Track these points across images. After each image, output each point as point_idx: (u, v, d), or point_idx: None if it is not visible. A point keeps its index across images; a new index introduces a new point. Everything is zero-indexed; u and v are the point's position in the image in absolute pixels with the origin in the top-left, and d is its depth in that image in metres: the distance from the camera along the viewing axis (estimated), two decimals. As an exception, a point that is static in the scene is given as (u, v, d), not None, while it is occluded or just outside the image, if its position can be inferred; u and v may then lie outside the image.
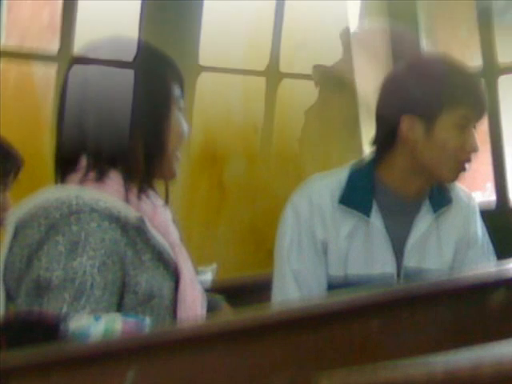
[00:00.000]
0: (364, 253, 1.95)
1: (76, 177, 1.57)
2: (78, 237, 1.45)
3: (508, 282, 1.58)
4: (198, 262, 1.76)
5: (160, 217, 1.60)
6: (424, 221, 1.99)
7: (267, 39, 3.07)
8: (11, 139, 2.13)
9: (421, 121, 1.92)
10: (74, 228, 1.46)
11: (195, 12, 2.91)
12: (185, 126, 1.65)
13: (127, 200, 1.56)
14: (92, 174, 1.56)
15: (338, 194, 1.97)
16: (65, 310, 1.41)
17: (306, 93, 2.68)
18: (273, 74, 3.09)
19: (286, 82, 3.12)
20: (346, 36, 2.46)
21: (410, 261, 1.97)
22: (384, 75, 2.06)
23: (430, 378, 1.09)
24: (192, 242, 1.78)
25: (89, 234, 1.46)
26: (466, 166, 1.95)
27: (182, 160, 1.64)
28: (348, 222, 1.96)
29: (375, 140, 2.01)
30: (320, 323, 1.37)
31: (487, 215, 2.15)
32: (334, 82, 2.42)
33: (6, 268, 1.51)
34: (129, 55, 1.60)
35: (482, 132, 2.05)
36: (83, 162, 1.57)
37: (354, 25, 2.87)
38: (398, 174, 1.97)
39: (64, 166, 1.60)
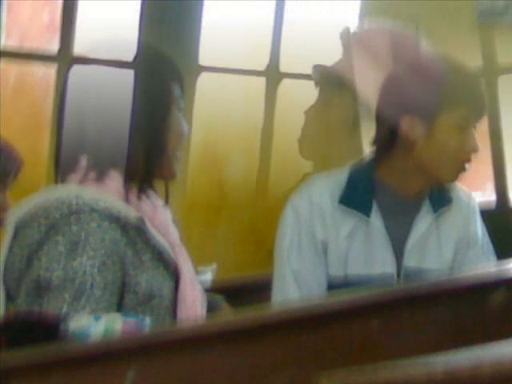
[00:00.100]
0: (364, 253, 1.95)
1: (76, 177, 1.57)
2: (78, 237, 1.45)
3: (508, 281, 1.58)
4: (198, 262, 1.76)
5: (160, 217, 1.60)
6: (424, 221, 1.99)
7: (267, 39, 3.06)
8: (11, 139, 2.13)
9: (421, 121, 1.92)
10: (74, 228, 1.46)
11: (195, 12, 2.91)
12: (185, 126, 1.65)
13: (127, 200, 1.56)
14: (92, 174, 1.56)
15: (337, 194, 1.97)
16: (65, 310, 1.41)
17: (306, 93, 2.67)
18: (273, 73, 3.08)
19: (286, 81, 3.11)
20: (346, 36, 2.45)
21: (410, 261, 1.96)
22: (384, 75, 2.05)
23: (430, 377, 1.09)
24: (192, 242, 1.78)
25: (89, 234, 1.46)
26: (466, 166, 1.95)
27: (182, 160, 1.64)
28: (348, 221, 1.96)
29: (375, 140, 2.01)
30: (320, 323, 1.37)
31: (487, 215, 2.15)
32: (334, 82, 2.41)
33: (6, 268, 1.51)
34: (129, 55, 1.60)
35: (481, 132, 2.04)
36: (83, 161, 1.57)
37: (353, 25, 2.87)
38: (397, 174, 1.97)
39: (64, 166, 1.60)
